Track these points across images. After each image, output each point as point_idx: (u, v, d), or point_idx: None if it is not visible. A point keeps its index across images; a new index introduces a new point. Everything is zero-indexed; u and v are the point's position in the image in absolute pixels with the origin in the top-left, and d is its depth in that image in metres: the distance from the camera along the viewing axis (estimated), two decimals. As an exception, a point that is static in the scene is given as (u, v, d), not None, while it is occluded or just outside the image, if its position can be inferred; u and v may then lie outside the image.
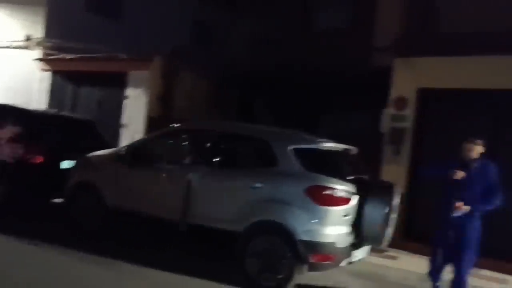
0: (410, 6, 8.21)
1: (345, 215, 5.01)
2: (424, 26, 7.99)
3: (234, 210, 5.20)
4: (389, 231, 5.47)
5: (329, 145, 5.41)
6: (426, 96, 7.74)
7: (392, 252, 7.25)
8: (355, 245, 5.23)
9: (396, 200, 5.59)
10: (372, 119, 8.32)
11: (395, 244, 7.29)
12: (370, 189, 5.20)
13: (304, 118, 10.58)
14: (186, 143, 5.88)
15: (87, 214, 6.15)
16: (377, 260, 6.76)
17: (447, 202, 4.92)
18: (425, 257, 7.03)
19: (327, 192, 4.90)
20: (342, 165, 5.53)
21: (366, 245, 5.39)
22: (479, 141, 4.99)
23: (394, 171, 7.71)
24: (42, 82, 11.65)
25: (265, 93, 11.24)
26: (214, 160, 5.57)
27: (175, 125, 6.27)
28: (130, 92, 10.10)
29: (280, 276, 4.94)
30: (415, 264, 6.77)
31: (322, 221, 4.88)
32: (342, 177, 5.18)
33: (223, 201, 5.32)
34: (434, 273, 5.30)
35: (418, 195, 7.71)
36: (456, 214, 4.83)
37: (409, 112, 7.81)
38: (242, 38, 12.53)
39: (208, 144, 5.72)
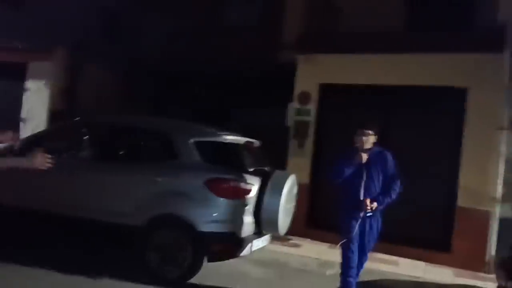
0: (313, 6, 8.61)
1: (245, 206, 5.16)
2: (325, 25, 8.40)
3: (134, 204, 5.16)
4: (288, 220, 5.74)
5: (230, 137, 5.53)
6: (326, 91, 8.15)
7: (296, 240, 7.59)
8: (256, 234, 5.42)
9: (295, 190, 5.87)
10: (279, 113, 8.61)
11: (298, 232, 7.68)
12: (269, 180, 5.40)
13: (215, 113, 10.68)
14: (85, 137, 5.72)
15: None
16: (280, 248, 7.04)
17: (352, 197, 4.69)
18: (326, 244, 7.51)
19: (226, 183, 5.03)
20: (243, 157, 5.67)
21: (266, 233, 5.58)
22: (370, 131, 4.95)
23: (299, 163, 8.06)
24: None
25: (176, 88, 11.17)
26: (113, 154, 5.48)
27: (75, 119, 6.07)
28: (30, 84, 9.55)
29: (183, 268, 5.00)
30: (317, 251, 7.16)
31: (222, 212, 5.00)
32: (243, 169, 5.34)
33: (123, 195, 5.26)
34: (354, 274, 4.74)
35: (319, 186, 8.12)
36: (368, 213, 4.64)
37: (312, 106, 8.18)
38: (154, 32, 12.32)
39: (108, 138, 5.61)
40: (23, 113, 9.46)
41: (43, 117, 9.32)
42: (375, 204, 4.66)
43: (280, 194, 5.31)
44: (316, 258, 6.77)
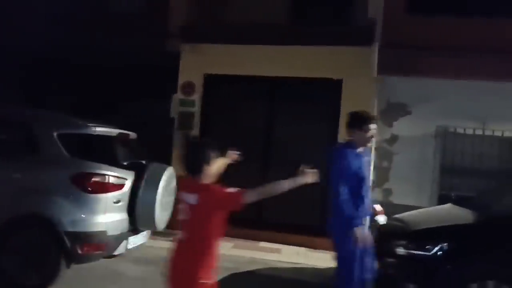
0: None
1: (116, 202, 4.89)
2: (210, 14, 8.29)
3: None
4: (167, 214, 5.54)
5: (100, 129, 5.16)
6: (212, 82, 8.06)
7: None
8: (132, 231, 5.16)
9: (173, 183, 5.68)
10: (164, 104, 8.34)
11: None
12: (144, 173, 5.15)
13: (98, 104, 10.08)
14: None
15: None
16: (164, 243, 6.80)
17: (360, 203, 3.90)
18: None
19: (95, 179, 4.71)
20: (115, 150, 5.33)
21: (143, 230, 5.34)
22: None
23: (184, 156, 7.89)
24: None
25: (54, 77, 10.34)
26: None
27: None
28: None
29: (45, 273, 4.60)
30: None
31: (90, 209, 4.69)
32: (114, 163, 5.04)
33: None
34: None
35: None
36: (381, 220, 4.22)
37: (196, 97, 8.04)
38: (31, 18, 11.31)
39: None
40: None
41: None
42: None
43: (157, 188, 5.10)
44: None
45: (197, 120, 8.01)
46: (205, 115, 8.09)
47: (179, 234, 2.73)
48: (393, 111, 7.92)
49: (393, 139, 7.95)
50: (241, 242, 7.26)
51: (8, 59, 10.01)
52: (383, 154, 7.91)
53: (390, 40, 7.38)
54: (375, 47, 7.20)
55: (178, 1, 9.21)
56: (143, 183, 5.08)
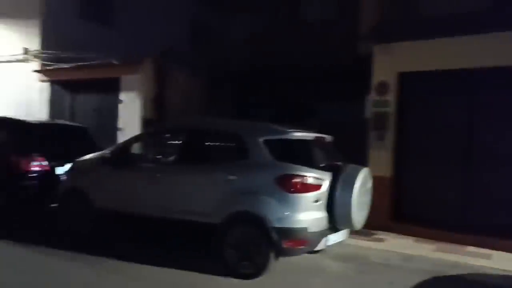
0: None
1: (316, 201, 5.26)
2: (401, 11, 8.16)
3: (211, 203, 5.48)
4: (363, 214, 5.72)
5: (299, 134, 5.64)
6: (406, 80, 7.90)
7: (380, 235, 7.48)
8: (331, 229, 5.48)
9: (369, 184, 5.83)
10: (358, 106, 8.53)
11: (382, 226, 7.58)
12: (341, 174, 5.44)
13: (297, 109, 10.85)
14: (165, 141, 6.20)
15: (78, 218, 6.48)
16: (362, 242, 7.00)
17: None
18: (412, 237, 7.32)
19: (296, 180, 5.16)
20: (313, 153, 5.77)
21: (341, 228, 5.62)
22: None
23: (380, 156, 7.93)
24: (41, 92, 12.09)
25: (258, 88, 11.51)
26: (191, 156, 5.89)
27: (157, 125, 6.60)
28: (124, 96, 10.47)
29: (257, 263, 5.23)
30: (401, 245, 7.01)
31: (292, 208, 5.14)
32: (313, 165, 5.45)
33: (200, 195, 5.60)
34: None
35: (404, 178, 7.91)
36: None
37: (390, 96, 7.98)
38: (234, 36, 12.82)
39: (184, 141, 6.03)
40: (119, 123, 10.39)
41: (136, 125, 10.14)
42: None
43: (352, 188, 5.34)
44: (399, 252, 6.62)
45: (391, 120, 7.94)
46: (400, 115, 7.96)
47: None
48: None
49: None
50: (443, 245, 6.97)
51: (219, 76, 11.51)
52: None
53: None
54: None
55: (369, 2, 9.32)
56: (339, 183, 5.38)
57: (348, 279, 5.59)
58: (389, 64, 7.96)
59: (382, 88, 8.03)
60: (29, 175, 7.24)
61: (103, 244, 6.39)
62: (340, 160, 6.00)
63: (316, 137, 5.87)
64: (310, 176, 5.21)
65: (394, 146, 7.94)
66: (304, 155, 5.63)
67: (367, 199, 5.81)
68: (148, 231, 6.56)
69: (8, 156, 7.34)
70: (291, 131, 5.60)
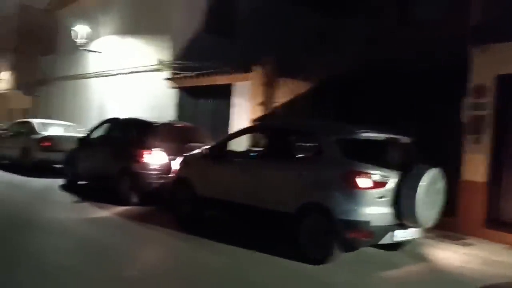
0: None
1: (380, 197, 5.64)
2: (502, 12, 7.93)
3: (288, 194, 6.15)
4: (432, 213, 5.91)
5: (370, 135, 6.05)
6: (505, 83, 7.67)
7: (471, 240, 7.39)
8: (398, 225, 5.80)
9: (439, 184, 5.99)
10: (455, 108, 8.45)
11: (475, 232, 7.50)
12: (408, 173, 5.73)
13: (395, 111, 10.88)
14: (254, 139, 7.08)
15: (183, 203, 7.60)
16: (448, 246, 7.04)
17: None
18: (504, 244, 7.13)
19: (360, 176, 5.60)
20: (384, 153, 6.08)
21: (409, 225, 5.88)
22: None
23: (475, 160, 7.81)
24: (171, 98, 13.96)
25: (361, 92, 11.77)
26: (275, 152, 6.68)
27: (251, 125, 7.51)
28: (236, 101, 11.67)
29: (324, 250, 5.77)
30: (487, 251, 6.89)
31: (357, 202, 5.58)
32: (381, 163, 5.82)
33: (279, 187, 6.29)
34: None
35: (500, 184, 7.68)
36: None
37: (488, 99, 7.81)
38: (343, 41, 13.20)
39: (270, 139, 6.84)
40: (230, 126, 11.60)
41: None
42: None
43: (417, 187, 5.60)
44: (481, 257, 6.55)
45: (488, 123, 7.77)
46: (498, 119, 7.74)
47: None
48: None
49: None
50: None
51: (327, 81, 11.99)
52: None
53: None
54: None
55: (475, 3, 9.11)
56: (405, 181, 5.68)
57: (409, 274, 5.83)
58: (487, 66, 7.81)
59: (480, 90, 7.90)
60: (150, 165, 8.69)
61: (201, 225, 7.48)
62: (418, 160, 6.22)
63: (388, 137, 6.19)
64: (375, 173, 5.61)
65: (491, 151, 7.75)
66: (375, 154, 5.97)
67: (437, 198, 5.96)
68: (238, 216, 7.46)
69: (135, 149, 8.86)
70: (361, 131, 6.03)
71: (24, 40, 24.42)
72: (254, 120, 11.11)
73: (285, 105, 11.58)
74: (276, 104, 11.48)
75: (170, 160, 8.75)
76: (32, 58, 23.08)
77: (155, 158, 8.75)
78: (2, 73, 27.91)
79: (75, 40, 16.39)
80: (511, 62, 7.54)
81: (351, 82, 11.43)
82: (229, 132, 11.46)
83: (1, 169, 12.53)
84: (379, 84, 10.63)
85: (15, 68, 26.19)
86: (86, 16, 17.46)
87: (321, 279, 5.32)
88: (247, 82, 11.44)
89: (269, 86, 11.42)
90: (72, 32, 16.47)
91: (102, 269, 5.15)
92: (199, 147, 8.22)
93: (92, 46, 16.96)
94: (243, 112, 11.39)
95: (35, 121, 13.61)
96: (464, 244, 7.19)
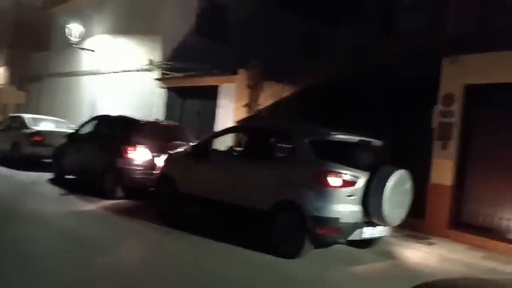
0: (459, 8, 8.48)
1: (349, 195, 5.84)
2: (472, 24, 8.20)
3: (263, 192, 6.31)
4: (399, 212, 6.12)
5: (342, 137, 6.25)
6: (472, 92, 7.92)
7: (435, 240, 7.62)
8: (367, 223, 6.00)
9: (407, 185, 6.20)
10: (426, 116, 8.68)
11: (438, 232, 7.73)
12: (376, 173, 5.93)
13: (374, 116, 11.11)
14: (237, 139, 7.22)
15: (165, 198, 7.68)
16: (412, 244, 7.26)
17: None
18: (465, 245, 7.36)
19: (331, 175, 5.80)
20: (356, 154, 6.25)
21: (378, 223, 6.07)
22: None
23: (442, 164, 8.06)
24: (160, 97, 14.05)
25: (342, 98, 11.98)
26: (250, 152, 6.83)
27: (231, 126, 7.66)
28: (221, 102, 11.81)
29: (295, 245, 5.94)
30: (447, 250, 7.12)
31: (327, 200, 5.79)
32: (351, 164, 6.01)
33: (255, 185, 6.46)
34: None
35: (464, 188, 7.93)
36: None
37: (456, 108, 8.06)
38: (323, 48, 13.38)
39: (248, 139, 6.99)
40: (216, 126, 11.73)
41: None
42: None
43: (384, 186, 5.80)
44: (440, 255, 6.79)
45: (456, 130, 8.02)
46: (465, 126, 7.99)
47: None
48: None
49: None
50: (494, 254, 6.95)
51: (309, 87, 12.17)
52: None
53: None
54: None
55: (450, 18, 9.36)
56: (374, 181, 5.88)
57: (373, 270, 6.05)
58: (455, 76, 8.06)
59: (448, 99, 8.16)
60: (134, 161, 8.80)
61: (183, 220, 7.61)
62: (387, 162, 6.43)
63: (360, 140, 6.39)
64: (344, 173, 5.80)
65: (457, 156, 8.00)
66: (346, 155, 6.16)
67: (404, 198, 6.17)
68: (216, 213, 7.60)
69: (120, 145, 8.95)
70: (334, 134, 6.23)
71: (19, 36, 24.33)
72: (238, 121, 11.25)
73: (269, 108, 11.74)
74: (260, 106, 11.63)
75: (153, 156, 8.89)
76: (26, 54, 22.98)
77: (139, 155, 8.87)
78: (-3, 68, 27.76)
79: (68, 37, 16.39)
80: (478, 72, 7.80)
81: (334, 87, 11.64)
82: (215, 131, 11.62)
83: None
84: (360, 90, 10.85)
85: (10, 64, 26.08)
86: (80, 14, 17.46)
87: (289, 273, 5.48)
88: (232, 84, 11.59)
89: (254, 88, 11.58)
90: (66, 30, 16.46)
91: (78, 257, 5.29)
92: (182, 145, 8.40)
93: (85, 44, 16.97)
94: (228, 113, 11.53)
95: (26, 116, 13.56)
96: (429, 244, 7.43)
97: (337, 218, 5.78)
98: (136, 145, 8.86)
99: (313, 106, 12.47)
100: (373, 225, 6.08)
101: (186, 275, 5.10)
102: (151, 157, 8.89)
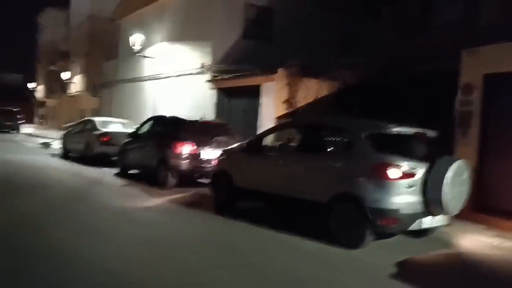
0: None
1: (409, 187, 4.80)
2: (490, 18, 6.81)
3: (321, 185, 5.32)
4: (458, 201, 5.01)
5: (398, 129, 5.17)
6: (491, 81, 6.62)
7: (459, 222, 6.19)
8: (426, 213, 4.94)
9: (465, 175, 5.00)
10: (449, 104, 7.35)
11: (465, 216, 6.37)
12: (435, 165, 4.81)
13: (410, 109, 9.77)
14: (288, 135, 6.18)
15: (223, 193, 6.69)
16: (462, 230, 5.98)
17: None
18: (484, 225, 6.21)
19: (391, 168, 4.75)
20: (412, 146, 5.19)
21: (436, 213, 4.98)
22: None
23: (464, 152, 6.74)
24: (211, 98, 13.05)
25: (379, 92, 10.63)
26: (306, 146, 5.80)
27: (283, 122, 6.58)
28: (263, 100, 10.73)
29: (355, 236, 4.95)
30: (465, 229, 6.03)
31: (387, 191, 4.76)
32: (410, 156, 4.96)
33: (313, 179, 5.47)
34: None
35: (485, 173, 6.66)
36: None
37: (475, 96, 6.78)
38: (365, 45, 12.01)
39: (303, 134, 5.96)
40: (259, 122, 10.67)
41: (271, 124, 10.19)
42: None
43: (444, 177, 4.75)
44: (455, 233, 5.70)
45: (475, 118, 6.76)
46: (484, 114, 6.72)
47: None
48: None
49: None
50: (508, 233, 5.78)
51: (348, 81, 10.83)
52: None
53: None
54: None
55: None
56: (433, 172, 4.82)
57: (436, 260, 4.92)
58: (474, 66, 6.78)
59: (468, 88, 6.87)
60: (182, 155, 8.28)
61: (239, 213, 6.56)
62: (441, 152, 5.25)
63: (416, 132, 5.25)
64: (403, 165, 4.74)
65: (478, 143, 6.74)
66: (403, 147, 5.10)
67: (462, 188, 5.05)
68: (273, 205, 6.56)
69: (171, 141, 8.43)
70: (390, 127, 5.14)
71: (92, 46, 23.98)
72: (279, 118, 10.14)
73: (308, 104, 10.57)
74: (300, 103, 10.47)
75: (199, 151, 8.45)
76: (98, 62, 22.57)
77: (187, 149, 8.40)
78: (75, 77, 27.65)
79: (132, 47, 15.73)
80: (496, 62, 6.56)
81: (371, 83, 10.32)
82: (258, 128, 10.58)
83: (70, 161, 12.58)
84: (397, 85, 9.52)
85: (85, 72, 25.87)
86: (143, 24, 16.72)
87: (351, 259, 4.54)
88: (272, 82, 10.47)
89: (293, 86, 10.42)
90: (129, 39, 15.80)
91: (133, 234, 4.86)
92: (224, 140, 8.01)
93: (147, 52, 16.24)
94: (269, 110, 10.45)
95: (96, 119, 13.25)
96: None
97: (397, 209, 4.75)
98: (184, 141, 8.36)
99: (351, 102, 11.15)
100: (432, 215, 4.92)
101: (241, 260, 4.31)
102: (197, 151, 8.41)
